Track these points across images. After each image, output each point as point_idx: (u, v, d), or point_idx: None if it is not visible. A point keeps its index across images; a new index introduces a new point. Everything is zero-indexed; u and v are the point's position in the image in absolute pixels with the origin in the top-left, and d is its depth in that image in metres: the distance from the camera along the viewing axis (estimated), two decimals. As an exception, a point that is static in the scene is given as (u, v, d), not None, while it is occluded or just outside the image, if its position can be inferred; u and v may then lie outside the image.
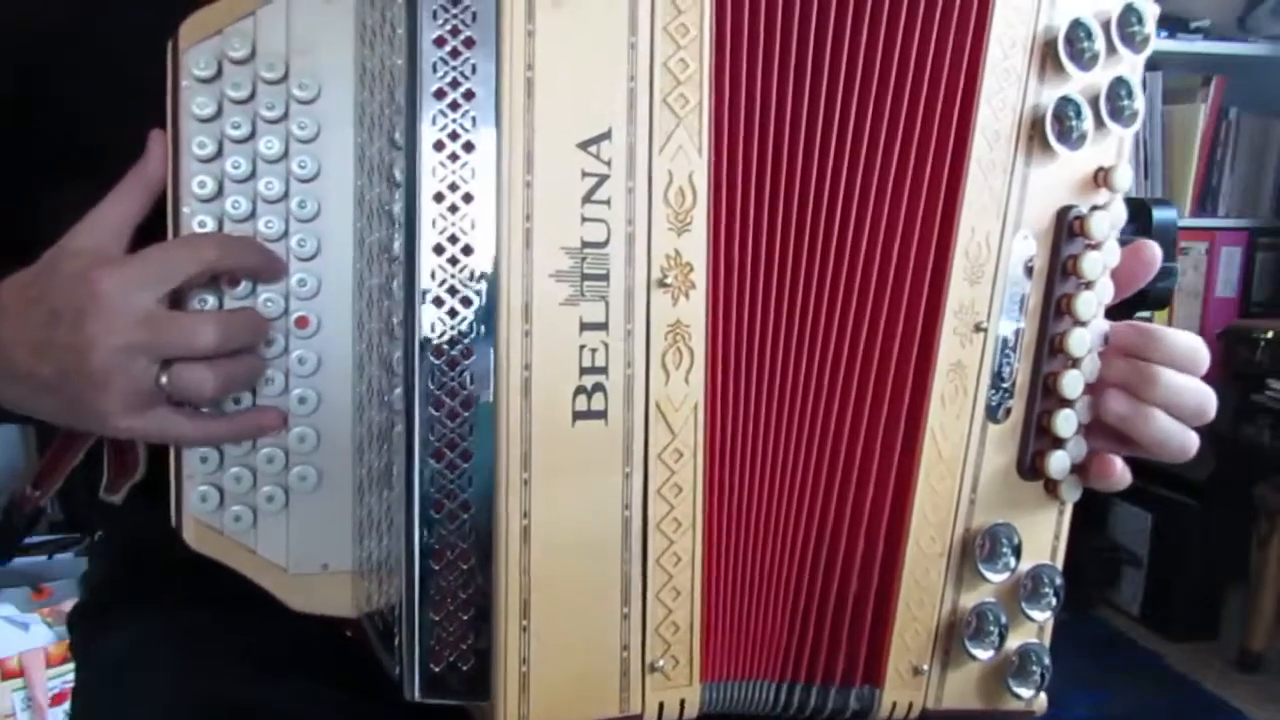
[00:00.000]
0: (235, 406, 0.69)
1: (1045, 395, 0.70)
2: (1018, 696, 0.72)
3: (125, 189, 0.67)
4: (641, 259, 0.61)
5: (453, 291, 0.59)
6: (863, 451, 0.67)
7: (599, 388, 0.60)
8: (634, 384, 0.61)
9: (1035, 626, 0.73)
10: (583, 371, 0.60)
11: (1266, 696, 2.50)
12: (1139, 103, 0.70)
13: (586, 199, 0.59)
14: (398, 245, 0.60)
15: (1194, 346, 0.70)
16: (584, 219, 0.59)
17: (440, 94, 0.58)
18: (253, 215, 0.69)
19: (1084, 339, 0.69)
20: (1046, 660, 0.72)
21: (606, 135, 0.59)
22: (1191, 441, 0.70)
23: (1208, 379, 0.71)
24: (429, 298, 0.59)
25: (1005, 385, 0.69)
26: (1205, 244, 3.00)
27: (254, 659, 0.76)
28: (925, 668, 0.70)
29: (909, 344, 0.67)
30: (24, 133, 0.74)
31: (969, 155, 0.66)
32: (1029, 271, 0.69)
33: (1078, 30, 0.68)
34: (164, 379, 0.63)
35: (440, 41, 0.58)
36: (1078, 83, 0.69)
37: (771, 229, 0.64)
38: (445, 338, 0.59)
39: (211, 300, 0.68)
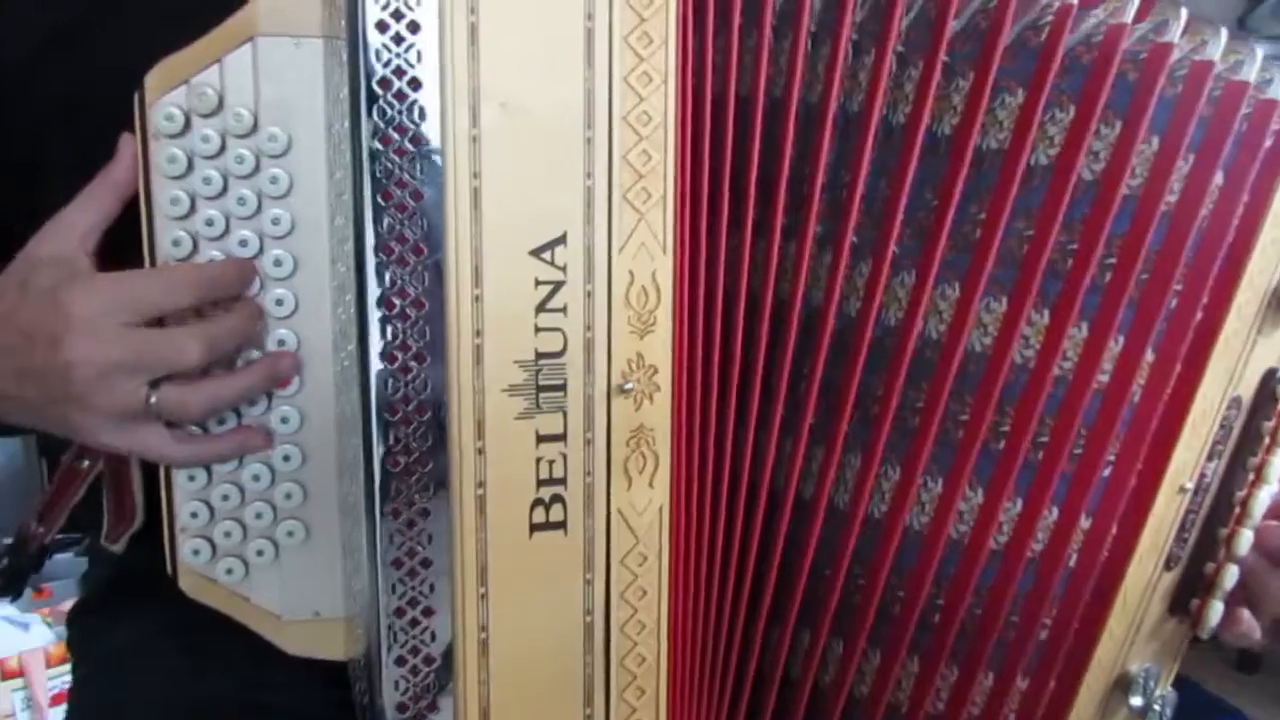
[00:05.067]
0: (220, 428, 0.68)
1: (1216, 549, 0.70)
2: None
3: (91, 193, 0.66)
4: (601, 366, 0.58)
5: (405, 400, 0.57)
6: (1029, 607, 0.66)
7: (557, 499, 0.59)
8: (594, 492, 0.59)
9: None
10: (540, 484, 0.58)
11: (1266, 696, 2.46)
12: None
13: (540, 308, 0.57)
14: (354, 354, 0.59)
15: None
16: (538, 329, 0.57)
17: (388, 195, 0.56)
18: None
19: (1265, 501, 0.69)
20: None
21: (561, 240, 0.56)
22: None
23: None
24: (384, 410, 0.57)
25: (1185, 537, 0.69)
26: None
27: (252, 657, 0.78)
28: None
29: (1112, 514, 0.65)
30: None
31: (1222, 330, 0.63)
32: (1227, 430, 0.68)
33: None
34: (153, 399, 0.63)
35: (386, 140, 0.55)
36: None
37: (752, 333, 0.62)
38: (401, 448, 0.58)
39: None
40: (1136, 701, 0.72)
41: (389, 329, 0.56)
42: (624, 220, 0.57)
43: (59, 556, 2.12)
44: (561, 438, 0.58)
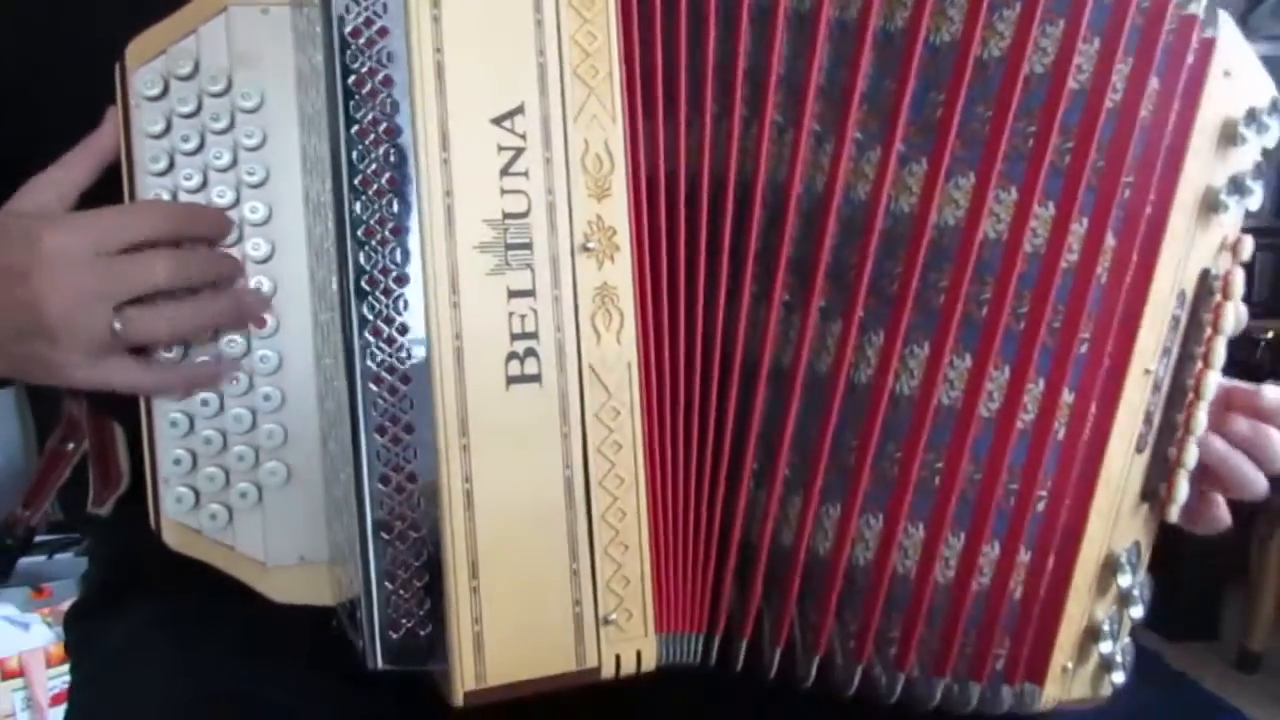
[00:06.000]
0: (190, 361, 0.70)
1: (1178, 430, 0.75)
2: (1113, 684, 0.77)
3: (74, 156, 0.69)
4: (564, 226, 0.63)
5: (385, 271, 0.61)
6: (1026, 473, 0.70)
7: (531, 352, 0.62)
8: (565, 346, 0.63)
9: (1130, 624, 0.78)
10: (514, 337, 0.62)
11: (1266, 696, 2.47)
12: (1259, 183, 0.76)
13: (504, 171, 0.62)
14: (332, 236, 0.63)
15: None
16: (504, 191, 0.62)
17: (359, 83, 0.61)
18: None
19: (1214, 383, 0.75)
20: (1133, 651, 0.78)
21: (519, 109, 0.62)
22: (1262, 485, 0.77)
23: None
24: (362, 279, 0.61)
25: (1150, 420, 0.74)
26: (1204, 242, 3.00)
27: (249, 650, 0.78)
28: (1069, 666, 0.74)
29: (1090, 390, 0.70)
30: None
31: (1169, 223, 0.69)
32: (1176, 322, 0.74)
33: (1250, 117, 0.73)
34: (116, 324, 0.64)
35: (355, 33, 0.61)
36: (1236, 162, 0.74)
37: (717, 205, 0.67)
38: (381, 317, 0.61)
39: None
40: (1125, 581, 0.74)
41: (358, 204, 0.61)
42: (575, 93, 0.63)
43: (59, 556, 2.05)
44: (531, 293, 0.62)
